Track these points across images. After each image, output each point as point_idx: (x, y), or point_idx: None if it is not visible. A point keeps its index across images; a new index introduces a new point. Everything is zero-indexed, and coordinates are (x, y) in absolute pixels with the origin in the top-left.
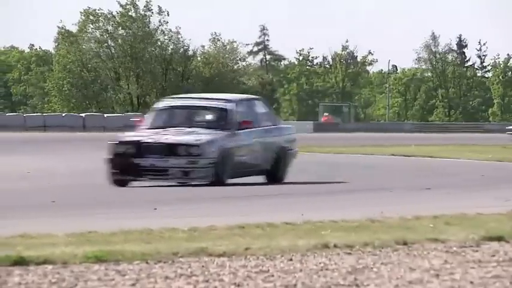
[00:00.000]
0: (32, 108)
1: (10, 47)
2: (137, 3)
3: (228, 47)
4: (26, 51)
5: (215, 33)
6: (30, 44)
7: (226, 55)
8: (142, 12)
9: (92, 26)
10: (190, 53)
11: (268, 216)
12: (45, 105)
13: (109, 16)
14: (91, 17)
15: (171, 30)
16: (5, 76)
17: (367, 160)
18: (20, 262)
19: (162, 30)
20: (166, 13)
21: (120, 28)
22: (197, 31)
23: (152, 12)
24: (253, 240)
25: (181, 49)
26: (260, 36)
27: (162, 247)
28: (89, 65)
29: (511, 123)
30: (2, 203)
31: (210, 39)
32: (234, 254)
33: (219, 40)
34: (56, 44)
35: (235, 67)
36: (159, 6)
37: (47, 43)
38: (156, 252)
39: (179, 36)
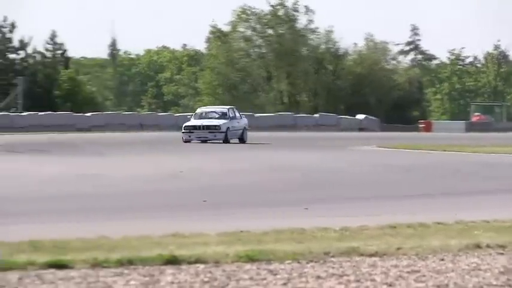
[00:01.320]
0: (183, 108)
1: (162, 47)
2: (285, 3)
3: (379, 46)
4: (177, 51)
5: (368, 33)
6: (183, 44)
7: (378, 55)
8: (291, 12)
9: (243, 25)
10: (342, 52)
11: (420, 216)
12: (196, 105)
13: (260, 15)
14: (243, 16)
15: (318, 28)
16: (156, 76)
17: None
18: (173, 261)
19: (311, 29)
20: (313, 12)
21: (269, 28)
22: (348, 30)
23: (299, 12)
24: (405, 240)
25: (333, 48)
26: (411, 36)
27: (314, 247)
28: (238, 65)
29: None
30: (154, 203)
31: (362, 40)
32: (385, 254)
33: (371, 41)
34: (208, 43)
35: (386, 66)
36: (305, 6)
37: (199, 43)
38: (307, 251)
39: (330, 35)
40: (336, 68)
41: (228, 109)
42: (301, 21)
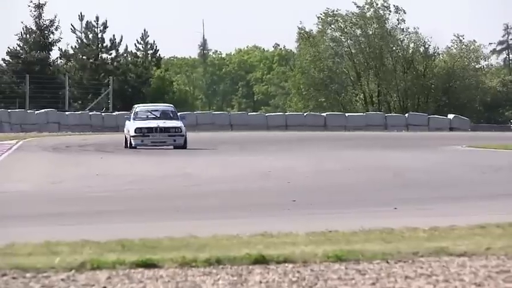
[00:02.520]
0: (274, 108)
1: (253, 47)
2: (374, 2)
3: (471, 46)
4: (268, 51)
5: (458, 34)
6: (275, 44)
7: (469, 54)
8: (381, 12)
9: (331, 27)
10: (431, 52)
11: (510, 216)
12: (286, 105)
13: (347, 17)
14: (329, 18)
15: (408, 29)
16: (247, 76)
17: None
18: (261, 261)
19: (401, 28)
20: (403, 11)
21: (358, 28)
22: (437, 30)
23: (390, 11)
24: (494, 240)
25: (422, 48)
26: (504, 35)
27: (403, 246)
28: (327, 66)
29: None
30: (243, 202)
31: (452, 40)
32: (474, 254)
33: (461, 41)
34: (298, 44)
35: (477, 66)
36: (395, 5)
37: (291, 42)
38: (396, 251)
39: (419, 35)
40: (425, 67)
41: (173, 108)
42: (391, 20)
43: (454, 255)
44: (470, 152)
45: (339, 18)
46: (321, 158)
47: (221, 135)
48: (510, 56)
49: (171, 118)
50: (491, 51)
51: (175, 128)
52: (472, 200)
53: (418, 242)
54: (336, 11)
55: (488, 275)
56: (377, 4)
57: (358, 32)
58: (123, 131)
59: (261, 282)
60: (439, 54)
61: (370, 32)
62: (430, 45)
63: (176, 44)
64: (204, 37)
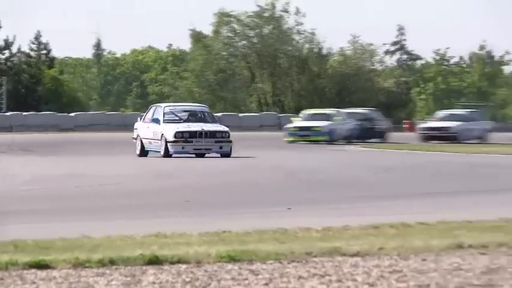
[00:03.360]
0: None
1: (147, 47)
2: (276, 4)
3: (365, 48)
4: (162, 51)
5: (354, 34)
6: (169, 44)
7: (364, 55)
8: (280, 13)
9: (225, 28)
10: (325, 52)
11: (402, 216)
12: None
13: (242, 17)
14: (224, 19)
15: (305, 31)
16: (141, 76)
17: (504, 160)
18: (154, 261)
19: (297, 30)
20: (302, 14)
21: (253, 29)
22: (333, 31)
23: (289, 13)
24: (387, 240)
25: (317, 48)
26: (397, 36)
27: (296, 247)
28: (220, 67)
29: None
30: (136, 203)
31: (348, 41)
32: (367, 254)
33: (356, 42)
34: (191, 45)
35: (372, 67)
36: (297, 7)
37: (185, 43)
38: (289, 251)
39: (314, 36)
40: (320, 68)
41: (207, 108)
42: (289, 22)
43: (347, 255)
44: (363, 152)
45: (232, 19)
46: (216, 158)
47: (115, 135)
48: (403, 56)
49: (208, 121)
50: (385, 51)
51: (222, 132)
52: (365, 200)
53: (312, 242)
54: (231, 12)
55: (381, 275)
56: (274, 7)
57: (252, 32)
58: (17, 131)
59: (154, 282)
60: (332, 54)
61: (266, 32)
62: (323, 47)
63: (71, 45)
64: (98, 37)
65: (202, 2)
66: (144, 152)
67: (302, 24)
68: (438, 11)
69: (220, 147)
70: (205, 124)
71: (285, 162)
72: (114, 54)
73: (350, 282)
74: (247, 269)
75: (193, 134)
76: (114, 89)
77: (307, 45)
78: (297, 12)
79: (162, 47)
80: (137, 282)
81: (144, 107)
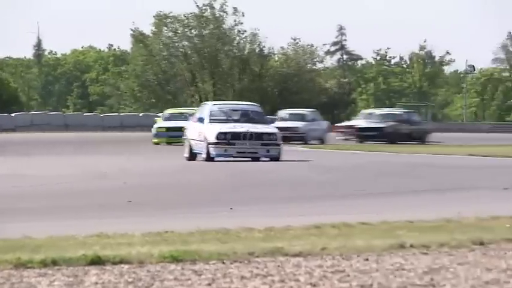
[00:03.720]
0: (109, 108)
1: (88, 47)
2: (214, 4)
3: (306, 49)
4: (103, 51)
5: (295, 37)
6: (109, 44)
7: (305, 56)
8: (218, 13)
9: (165, 28)
10: (267, 52)
11: (344, 216)
12: (121, 106)
13: (182, 18)
14: (164, 20)
15: (245, 31)
16: (82, 76)
17: (444, 160)
18: (97, 262)
19: (238, 30)
20: (241, 14)
21: (194, 29)
22: (274, 31)
23: (227, 13)
24: (329, 240)
25: (258, 49)
26: (337, 36)
27: (238, 247)
28: (161, 67)
29: None
30: (78, 203)
31: (288, 43)
32: (310, 254)
33: (297, 44)
34: (132, 45)
35: (313, 67)
36: (234, 7)
37: (126, 43)
38: (232, 252)
39: (256, 36)
40: (261, 69)
41: (259, 107)
42: (228, 22)
43: (289, 256)
44: (303, 152)
45: (172, 20)
46: (156, 159)
47: (56, 136)
48: (344, 56)
49: (258, 121)
50: (325, 52)
51: (269, 134)
52: (307, 201)
53: (254, 242)
54: (170, 13)
55: (323, 275)
56: (213, 7)
57: (194, 32)
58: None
59: (97, 283)
60: (274, 54)
61: (206, 33)
62: (265, 46)
63: (11, 45)
64: (38, 37)
65: (142, 2)
66: (193, 155)
67: (242, 23)
68: (378, 11)
69: (268, 151)
70: (253, 125)
71: (233, 163)
72: (54, 54)
73: (293, 283)
74: (190, 269)
75: (237, 136)
76: (55, 89)
77: (248, 45)
78: (235, 12)
79: (103, 47)
80: (79, 282)
81: (85, 108)
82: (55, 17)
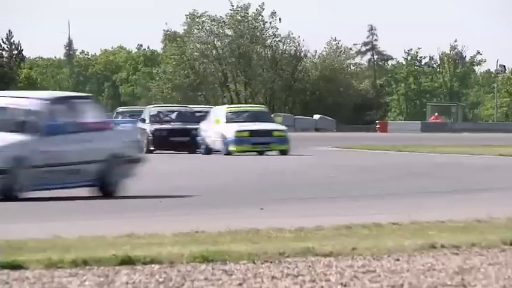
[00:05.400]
0: None
1: (118, 47)
2: (249, 6)
3: (339, 50)
4: (133, 52)
5: (331, 37)
6: (138, 45)
7: (339, 57)
8: (253, 15)
9: (197, 28)
10: (300, 54)
11: (375, 217)
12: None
13: (216, 18)
14: (197, 19)
15: (280, 35)
16: (113, 76)
17: (475, 160)
18: (127, 262)
19: (272, 33)
20: (278, 19)
21: (227, 29)
22: (305, 33)
23: (263, 17)
24: (360, 241)
25: (292, 51)
26: (368, 36)
27: (269, 247)
28: (194, 67)
29: None
30: (110, 204)
31: (327, 43)
32: (340, 254)
33: (336, 44)
34: (163, 45)
35: (346, 69)
36: (272, 11)
37: (156, 43)
38: (262, 252)
39: (289, 38)
40: (294, 70)
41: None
42: (264, 24)
43: (320, 256)
44: (337, 152)
45: (206, 19)
46: (188, 161)
47: None
48: (374, 56)
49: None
50: (355, 52)
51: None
52: (338, 201)
53: (285, 242)
54: (205, 12)
55: (354, 275)
56: (249, 7)
57: (228, 32)
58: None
59: (127, 283)
60: (306, 55)
61: (240, 34)
62: (299, 48)
63: (42, 45)
64: (69, 37)
65: (173, 2)
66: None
67: (277, 29)
68: (409, 11)
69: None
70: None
71: (253, 164)
72: (86, 54)
73: (323, 283)
74: (221, 269)
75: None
76: (86, 89)
77: (282, 47)
78: (273, 15)
79: (132, 48)
80: (110, 282)
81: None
82: (85, 17)
